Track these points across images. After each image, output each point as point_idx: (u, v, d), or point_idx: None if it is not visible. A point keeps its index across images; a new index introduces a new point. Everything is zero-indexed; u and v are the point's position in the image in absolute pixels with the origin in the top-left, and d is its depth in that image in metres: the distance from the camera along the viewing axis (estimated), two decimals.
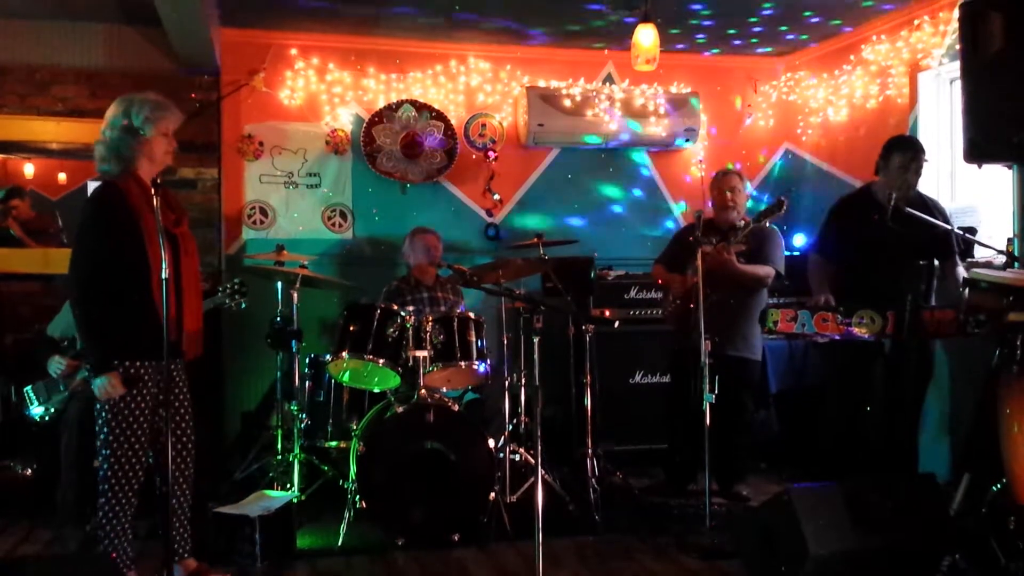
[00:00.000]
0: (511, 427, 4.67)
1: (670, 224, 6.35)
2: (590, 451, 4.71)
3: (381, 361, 4.31)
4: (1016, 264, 4.03)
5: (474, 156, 6.10)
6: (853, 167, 5.75)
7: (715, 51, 6.28)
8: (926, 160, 4.33)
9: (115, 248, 3.17)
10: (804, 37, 5.96)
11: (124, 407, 3.21)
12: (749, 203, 6.30)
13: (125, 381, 3.18)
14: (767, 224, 4.40)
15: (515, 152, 6.18)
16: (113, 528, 3.26)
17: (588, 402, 4.77)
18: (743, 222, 4.59)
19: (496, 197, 6.11)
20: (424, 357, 4.28)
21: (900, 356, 3.89)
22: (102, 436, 3.24)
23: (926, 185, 4.73)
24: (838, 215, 4.53)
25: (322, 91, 5.87)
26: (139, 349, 3.20)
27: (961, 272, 4.17)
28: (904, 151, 4.25)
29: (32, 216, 5.84)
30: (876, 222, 4.10)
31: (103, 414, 3.23)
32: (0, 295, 5.43)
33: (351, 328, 4.36)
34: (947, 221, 4.25)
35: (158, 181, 3.16)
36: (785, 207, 4.21)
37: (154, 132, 3.27)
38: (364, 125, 5.88)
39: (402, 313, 4.39)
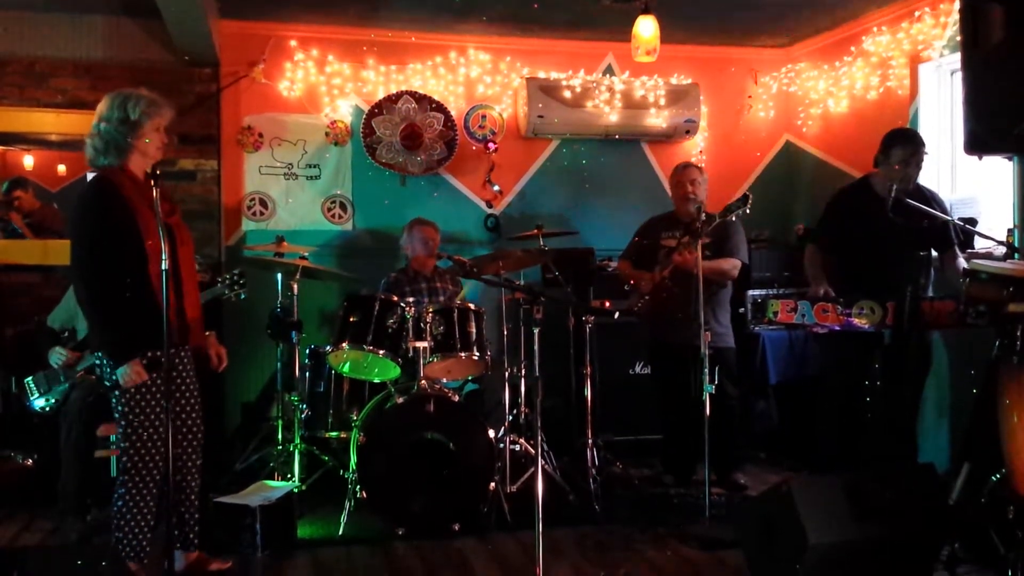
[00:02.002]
0: (511, 418, 4.68)
1: None
2: (590, 441, 4.72)
3: (381, 352, 4.32)
4: (1016, 255, 4.03)
5: (474, 147, 6.10)
6: (853, 159, 5.75)
7: (716, 42, 6.26)
8: (926, 153, 4.32)
9: (111, 240, 3.17)
10: (805, 28, 5.95)
11: (140, 398, 3.23)
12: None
13: (147, 366, 3.19)
14: (732, 218, 4.40)
15: (515, 143, 6.18)
16: (133, 517, 3.27)
17: (588, 393, 4.78)
18: (705, 215, 4.60)
19: (496, 188, 6.10)
20: (424, 348, 4.29)
21: (899, 347, 3.89)
22: (120, 429, 3.27)
23: (927, 177, 4.73)
24: (836, 207, 4.53)
25: (322, 82, 5.86)
26: (142, 340, 3.20)
27: (961, 263, 4.17)
28: (905, 145, 4.24)
29: (36, 206, 5.83)
30: (875, 214, 4.10)
31: (119, 407, 3.24)
32: (0, 286, 5.43)
33: (351, 319, 4.36)
34: (945, 213, 4.25)
35: (157, 172, 3.17)
36: (750, 202, 4.21)
37: (149, 126, 3.29)
38: (364, 116, 5.87)
39: (402, 304, 4.40)
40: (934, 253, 4.27)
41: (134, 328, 3.18)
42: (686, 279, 4.33)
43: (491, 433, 4.17)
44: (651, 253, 4.83)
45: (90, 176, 3.38)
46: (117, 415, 3.26)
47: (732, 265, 4.70)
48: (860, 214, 4.29)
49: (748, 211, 4.24)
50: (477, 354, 4.41)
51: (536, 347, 4.22)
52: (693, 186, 4.77)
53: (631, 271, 4.94)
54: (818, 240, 4.54)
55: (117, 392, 3.23)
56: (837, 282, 4.29)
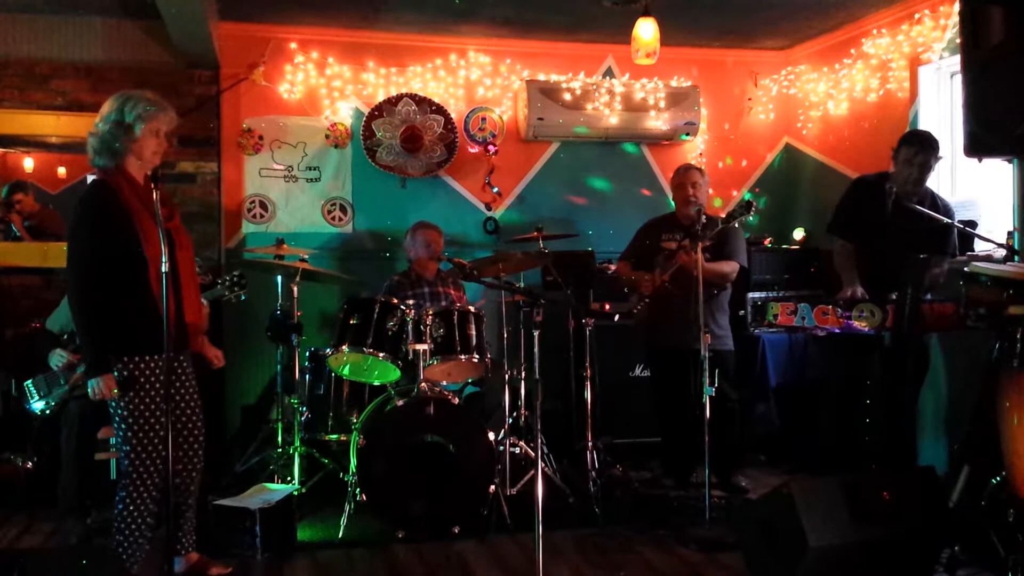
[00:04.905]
0: (511, 420, 4.67)
1: None
2: (590, 444, 4.71)
3: (381, 354, 4.33)
4: (1016, 257, 4.03)
5: (474, 150, 6.10)
6: (853, 161, 5.75)
7: (715, 45, 6.27)
8: (940, 157, 4.29)
9: (110, 245, 3.16)
10: (805, 31, 5.96)
11: (139, 403, 3.22)
12: (747, 195, 6.37)
13: (120, 383, 3.18)
14: (734, 224, 4.40)
15: (515, 146, 6.18)
16: (134, 520, 3.26)
17: (588, 395, 4.78)
18: (705, 217, 4.60)
19: (496, 191, 6.11)
20: (424, 350, 4.29)
21: (899, 349, 3.89)
22: (120, 434, 3.26)
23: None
24: (855, 192, 4.51)
25: (322, 85, 5.86)
26: (142, 344, 3.20)
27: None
28: (910, 145, 4.24)
29: (37, 209, 5.84)
30: (880, 211, 4.11)
31: (118, 411, 3.23)
32: (0, 289, 5.43)
33: (351, 321, 4.37)
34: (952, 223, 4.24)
35: (157, 176, 3.16)
36: (753, 208, 4.21)
37: (144, 130, 3.25)
38: (364, 119, 5.87)
39: (402, 307, 4.40)
40: None
41: (122, 335, 3.18)
42: (685, 282, 4.33)
43: (491, 435, 4.17)
44: (651, 255, 4.83)
45: (90, 178, 3.37)
46: (116, 419, 3.25)
47: (732, 268, 4.71)
48: (869, 207, 4.29)
49: (751, 217, 4.25)
50: (477, 357, 4.41)
51: (536, 349, 4.23)
52: (694, 188, 4.77)
53: (631, 273, 4.94)
54: (841, 231, 4.49)
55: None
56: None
